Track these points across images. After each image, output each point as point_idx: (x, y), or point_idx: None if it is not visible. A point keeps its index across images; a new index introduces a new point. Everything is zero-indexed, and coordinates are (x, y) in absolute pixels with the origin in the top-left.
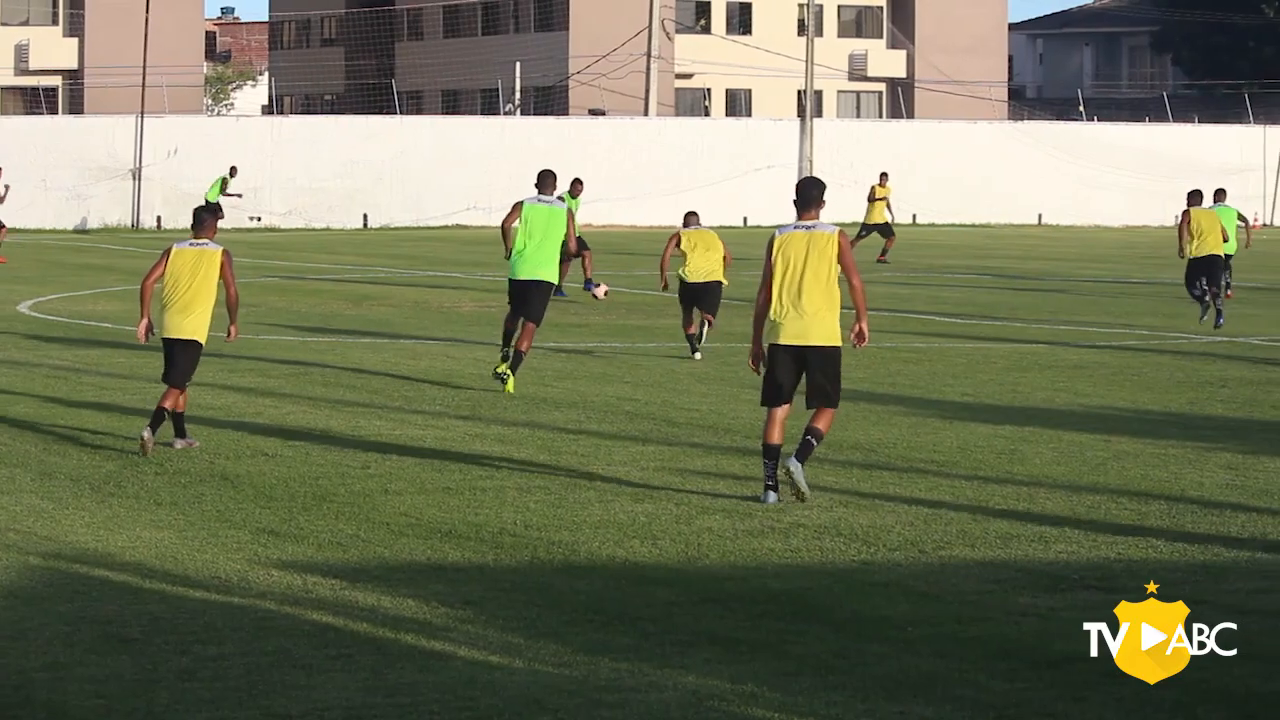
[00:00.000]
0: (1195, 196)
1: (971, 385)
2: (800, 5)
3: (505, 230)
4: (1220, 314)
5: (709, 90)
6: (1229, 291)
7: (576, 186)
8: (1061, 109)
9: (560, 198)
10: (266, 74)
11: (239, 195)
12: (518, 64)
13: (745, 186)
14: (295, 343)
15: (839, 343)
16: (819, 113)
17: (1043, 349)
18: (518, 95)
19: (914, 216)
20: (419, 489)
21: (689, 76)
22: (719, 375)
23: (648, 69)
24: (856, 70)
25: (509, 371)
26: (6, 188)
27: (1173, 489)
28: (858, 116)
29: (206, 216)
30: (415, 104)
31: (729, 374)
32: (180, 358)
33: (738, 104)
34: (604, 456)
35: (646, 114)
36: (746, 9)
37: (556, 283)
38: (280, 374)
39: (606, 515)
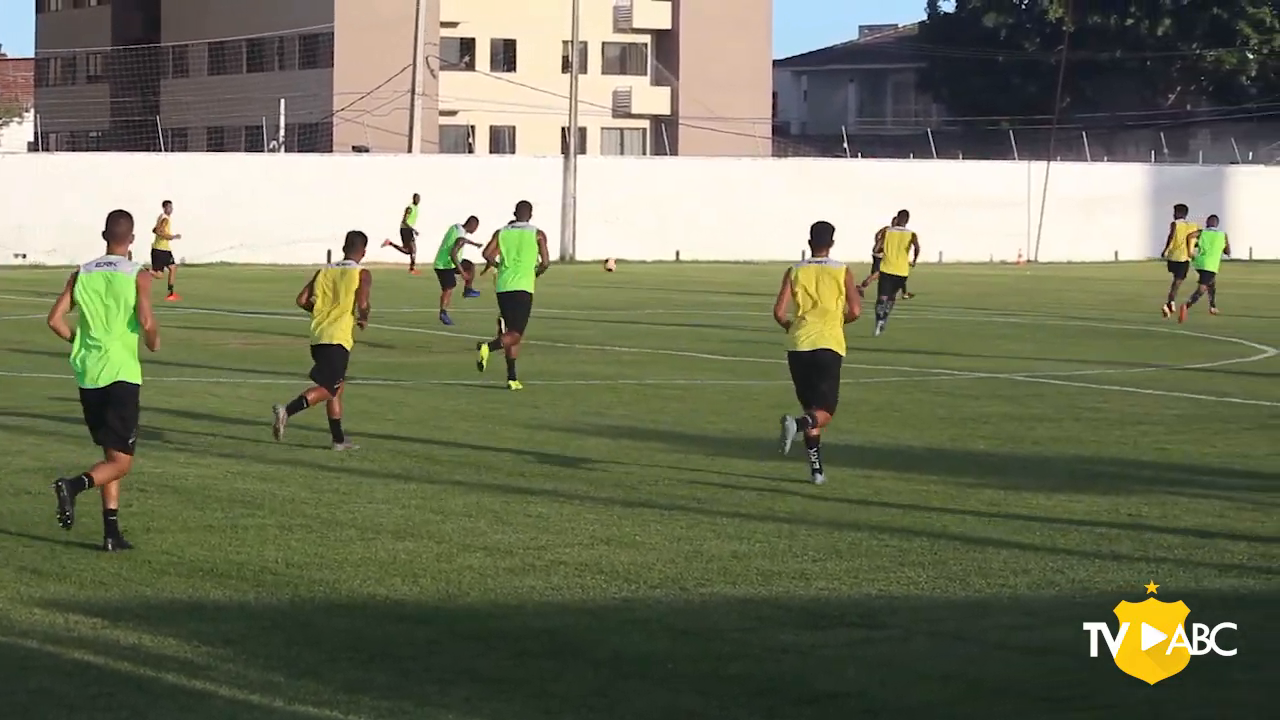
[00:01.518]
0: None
1: (734, 422)
2: (565, 42)
3: (488, 258)
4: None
5: (473, 127)
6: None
7: (473, 224)
8: (826, 145)
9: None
10: (32, 111)
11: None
12: (282, 101)
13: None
14: (59, 380)
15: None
16: (583, 150)
17: None
18: (282, 133)
19: (677, 253)
20: (181, 527)
21: (453, 113)
22: (481, 413)
23: (411, 106)
24: (621, 107)
25: (486, 355)
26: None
27: (934, 525)
28: (621, 153)
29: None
30: (181, 141)
31: (491, 411)
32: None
33: (502, 141)
34: (366, 494)
35: (410, 151)
36: (511, 46)
37: (532, 292)
38: (43, 412)
39: (368, 553)
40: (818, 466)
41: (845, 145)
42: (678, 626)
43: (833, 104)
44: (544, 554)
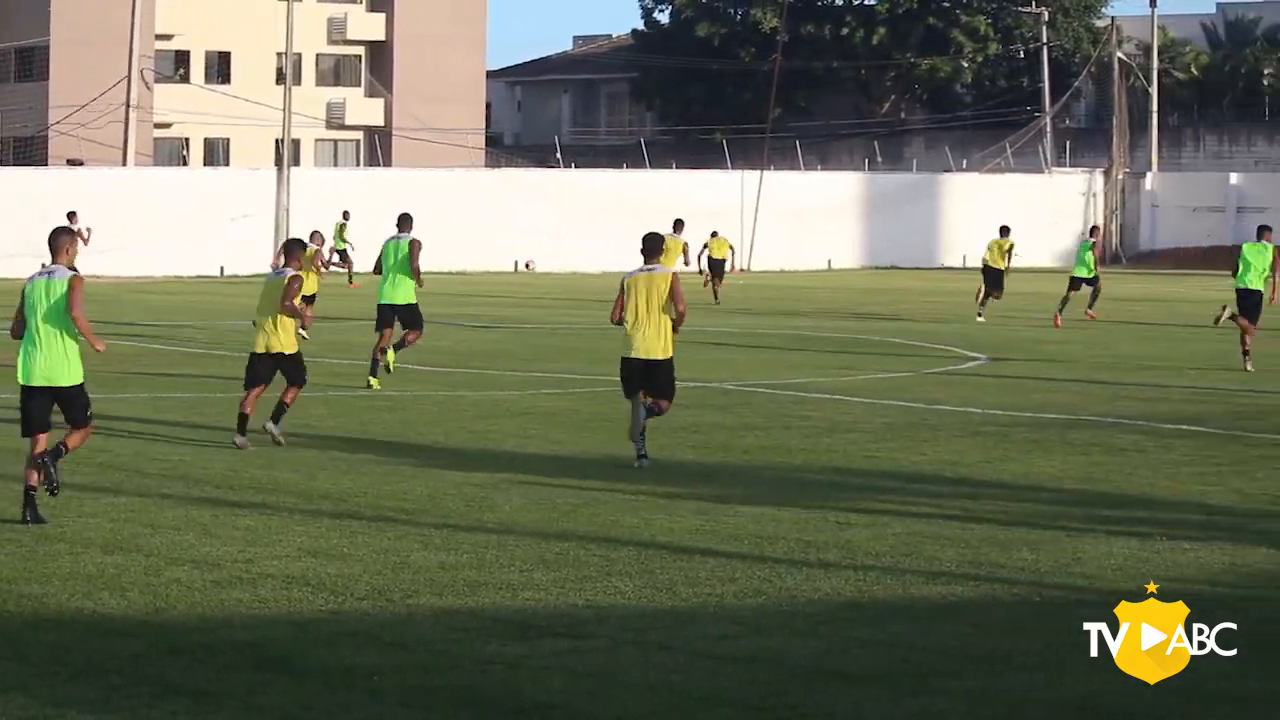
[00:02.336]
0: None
1: (443, 433)
2: (279, 54)
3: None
4: None
5: (188, 140)
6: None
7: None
8: (540, 156)
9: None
10: None
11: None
12: None
13: (223, 236)
14: None
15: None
16: (297, 161)
17: (515, 395)
18: None
19: None
20: None
21: (168, 126)
22: (191, 424)
23: (126, 119)
24: (335, 119)
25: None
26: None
27: (642, 534)
28: (335, 165)
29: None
30: None
31: (201, 423)
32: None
33: (216, 153)
34: (75, 508)
35: (125, 164)
36: (225, 58)
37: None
38: None
39: (76, 567)
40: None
41: (559, 156)
42: (384, 638)
43: (547, 114)
44: (251, 566)
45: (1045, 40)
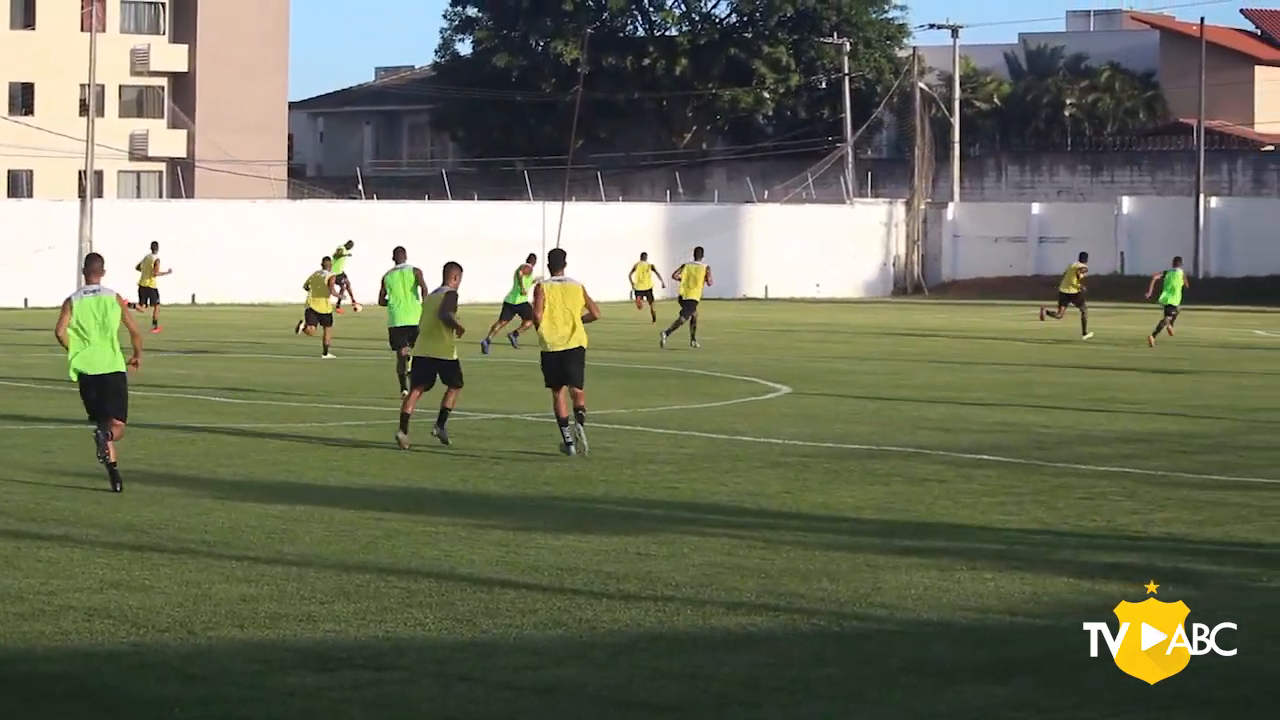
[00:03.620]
0: None
1: (245, 465)
2: (82, 85)
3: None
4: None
5: None
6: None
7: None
8: (342, 187)
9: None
10: None
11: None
12: None
13: (27, 267)
14: None
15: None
16: (100, 193)
17: (316, 427)
18: None
19: (193, 296)
20: None
21: None
22: None
23: None
24: (138, 150)
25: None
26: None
27: (443, 567)
28: (138, 196)
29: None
30: None
31: (3, 455)
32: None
33: (20, 185)
34: None
35: None
36: (29, 89)
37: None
38: None
39: None
40: (572, 439)
41: (360, 187)
42: (187, 670)
43: (349, 146)
44: (54, 599)
45: (847, 71)
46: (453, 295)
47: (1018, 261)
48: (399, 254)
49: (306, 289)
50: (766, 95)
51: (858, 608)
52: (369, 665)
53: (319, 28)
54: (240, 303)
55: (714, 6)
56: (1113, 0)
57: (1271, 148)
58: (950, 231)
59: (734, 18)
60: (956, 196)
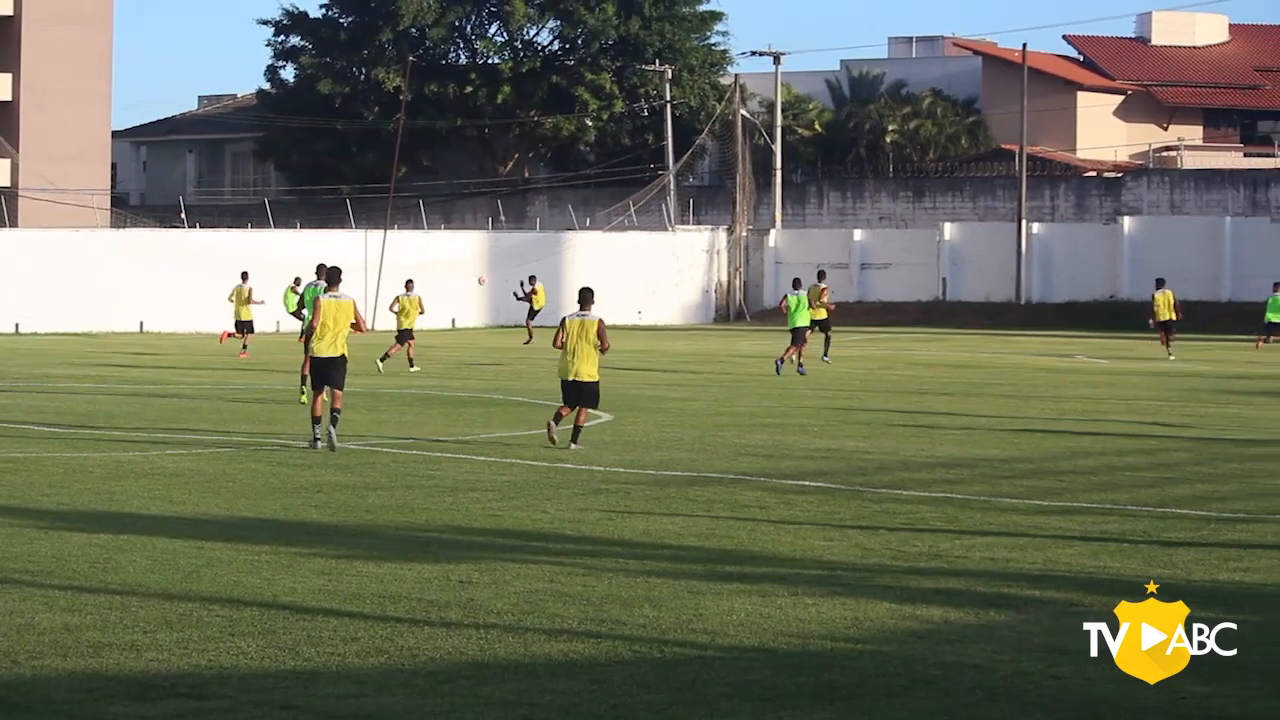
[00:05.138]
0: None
1: (67, 495)
2: None
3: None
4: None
5: None
6: None
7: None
8: (165, 216)
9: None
10: None
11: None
12: None
13: None
14: None
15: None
16: None
17: (139, 457)
18: None
19: (16, 326)
20: None
21: None
22: None
23: None
24: None
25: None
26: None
27: (265, 595)
28: None
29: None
30: None
31: None
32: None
33: None
34: None
35: None
36: None
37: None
38: None
39: None
40: (321, 436)
41: (183, 215)
42: (10, 700)
43: (172, 174)
44: None
45: (669, 98)
46: (601, 322)
47: (839, 288)
48: (319, 273)
49: (231, 301)
50: (589, 123)
51: (679, 634)
52: (192, 694)
53: (142, 57)
54: (64, 332)
55: (536, 34)
56: (936, 26)
57: (1094, 173)
58: (772, 258)
59: (556, 45)
60: (779, 223)
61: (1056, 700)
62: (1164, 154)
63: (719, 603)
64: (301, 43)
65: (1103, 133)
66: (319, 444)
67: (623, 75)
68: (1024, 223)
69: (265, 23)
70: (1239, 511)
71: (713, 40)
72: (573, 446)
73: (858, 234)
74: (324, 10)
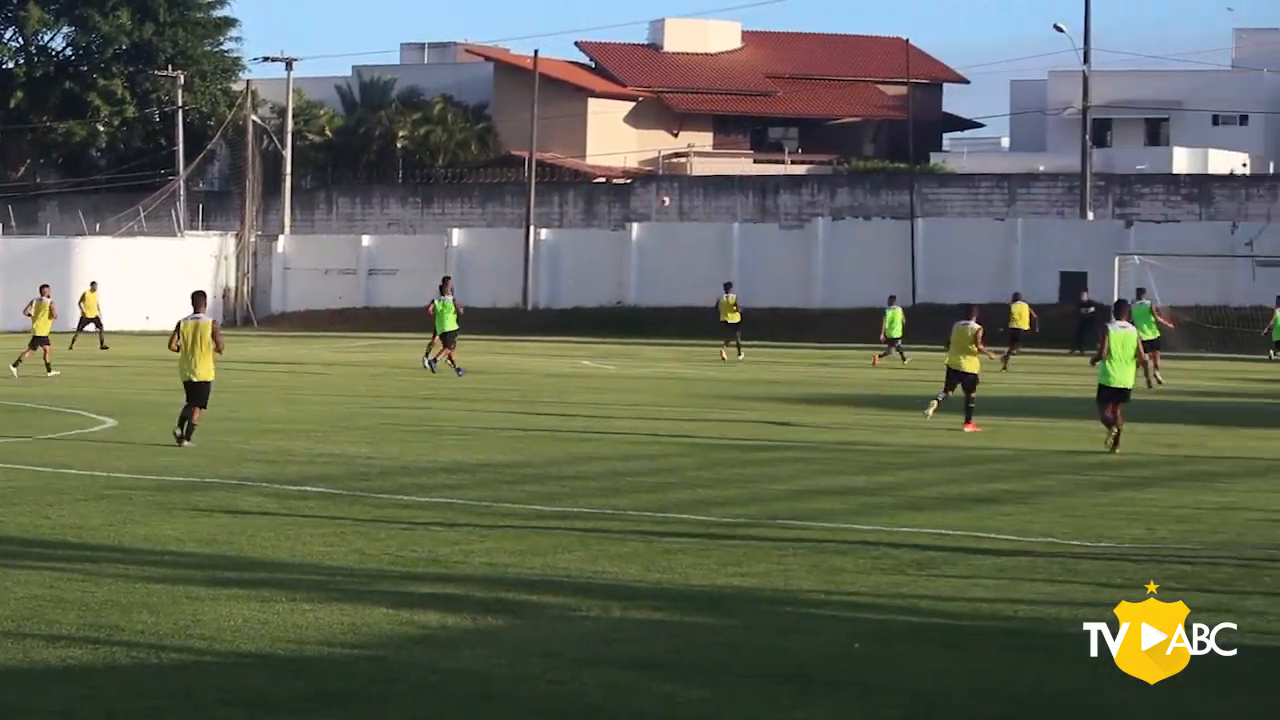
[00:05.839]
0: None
1: None
2: None
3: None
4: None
5: None
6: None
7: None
8: None
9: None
10: None
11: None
12: None
13: None
14: None
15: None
16: None
17: None
18: None
19: None
20: None
21: None
22: None
23: None
24: None
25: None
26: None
27: None
28: None
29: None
30: None
31: None
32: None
33: None
34: None
35: None
36: None
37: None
38: None
39: None
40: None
41: None
42: None
43: None
44: None
45: (181, 104)
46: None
47: (348, 293)
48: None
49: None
50: (101, 128)
51: (177, 640)
52: None
53: None
54: None
55: (50, 40)
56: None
57: (602, 179)
58: (281, 264)
59: (70, 51)
60: (287, 229)
61: (553, 704)
62: (674, 160)
63: (217, 608)
64: None
65: (613, 139)
66: (185, 443)
67: (136, 81)
68: (532, 229)
69: None
70: (739, 516)
71: (225, 47)
72: (185, 444)
73: (366, 240)
74: None
